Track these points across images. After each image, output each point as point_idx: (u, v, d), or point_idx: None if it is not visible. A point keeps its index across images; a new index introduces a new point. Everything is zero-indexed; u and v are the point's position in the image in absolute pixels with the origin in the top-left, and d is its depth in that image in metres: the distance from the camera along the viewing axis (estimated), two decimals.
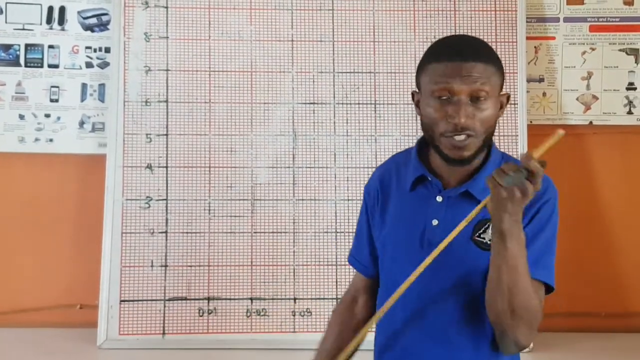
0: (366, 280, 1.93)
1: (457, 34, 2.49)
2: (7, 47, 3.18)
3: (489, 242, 1.65)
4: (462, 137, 1.64)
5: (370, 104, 3.07)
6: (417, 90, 1.75)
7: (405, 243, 1.75)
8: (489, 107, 1.66)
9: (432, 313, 1.67)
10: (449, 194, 1.73)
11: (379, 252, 1.85)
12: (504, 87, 1.74)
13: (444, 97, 1.65)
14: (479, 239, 1.69)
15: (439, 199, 1.73)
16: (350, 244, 2.80)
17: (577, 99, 3.23)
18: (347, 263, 2.95)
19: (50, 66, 3.19)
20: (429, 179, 1.75)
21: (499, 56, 1.73)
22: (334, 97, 3.08)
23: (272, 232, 3.01)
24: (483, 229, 1.69)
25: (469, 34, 3.06)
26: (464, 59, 1.64)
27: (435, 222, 1.72)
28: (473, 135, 1.65)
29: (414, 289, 1.66)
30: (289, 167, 3.05)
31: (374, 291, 1.90)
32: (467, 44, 1.72)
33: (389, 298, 1.67)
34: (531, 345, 2.90)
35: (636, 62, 3.21)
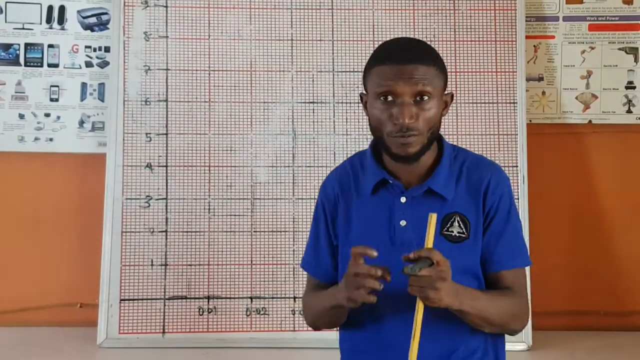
0: (323, 285, 1.91)
1: (402, 36, 2.55)
2: (6, 47, 3.18)
3: (457, 234, 1.76)
4: (408, 135, 1.72)
5: None
6: (364, 92, 1.83)
7: (374, 244, 1.73)
8: (432, 107, 1.73)
9: (412, 311, 1.66)
10: (412, 194, 1.79)
11: (342, 255, 1.86)
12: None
13: (389, 99, 1.72)
14: (447, 232, 1.76)
15: (402, 199, 1.79)
16: None
17: (576, 97, 3.23)
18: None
19: (50, 65, 3.19)
20: (390, 181, 1.80)
21: (442, 57, 1.80)
22: (334, 96, 3.08)
23: (272, 231, 3.01)
24: (449, 223, 1.77)
25: (469, 33, 3.07)
26: (406, 61, 1.71)
27: (403, 222, 1.78)
28: (417, 134, 1.72)
29: (393, 291, 1.68)
30: (288, 166, 3.05)
31: None
32: (409, 47, 1.80)
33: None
34: (530, 343, 2.91)
35: (635, 61, 3.21)
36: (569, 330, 3.12)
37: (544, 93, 3.23)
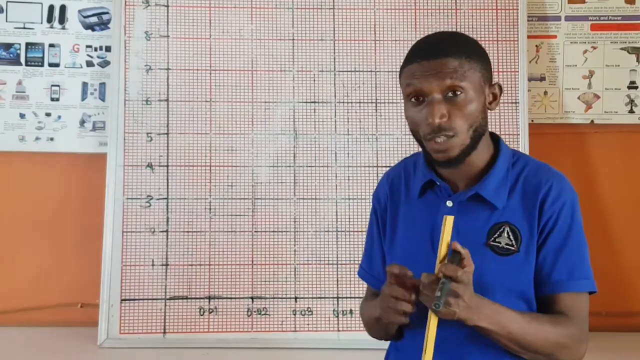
0: (378, 294, 1.82)
1: (438, 31, 2.45)
2: (7, 46, 3.18)
3: (505, 246, 1.62)
4: (442, 138, 1.59)
5: (371, 102, 3.06)
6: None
7: (417, 250, 1.69)
8: (470, 102, 1.60)
9: (449, 329, 1.56)
10: (459, 198, 1.67)
11: (388, 260, 1.78)
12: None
13: (419, 99, 1.61)
14: (494, 243, 1.62)
15: (449, 203, 1.67)
16: (351, 242, 2.81)
17: (578, 97, 3.22)
18: (348, 262, 2.98)
19: (50, 65, 3.19)
20: (438, 183, 1.70)
21: (487, 51, 1.68)
22: (335, 95, 3.07)
23: (273, 231, 3.01)
24: (498, 232, 1.63)
25: (470, 32, 3.06)
26: (430, 57, 1.59)
27: None
28: (452, 134, 1.59)
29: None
30: (289, 166, 3.05)
31: None
32: (436, 41, 1.67)
33: None
34: None
35: (637, 60, 3.20)
36: None
37: (546, 93, 3.22)
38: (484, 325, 1.52)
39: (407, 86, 1.62)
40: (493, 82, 1.68)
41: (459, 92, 1.58)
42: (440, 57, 1.59)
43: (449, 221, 1.50)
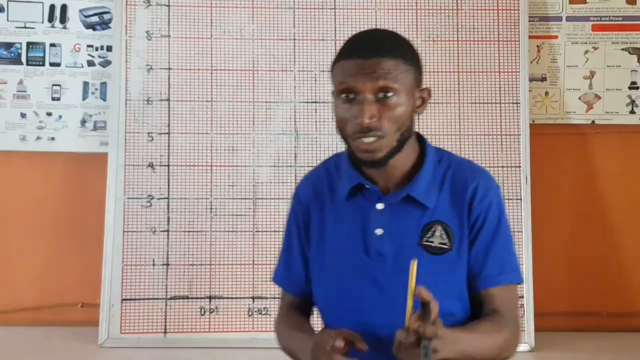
0: (297, 300, 1.81)
1: (374, 28, 2.36)
2: (8, 46, 3.18)
3: (438, 244, 1.62)
4: (371, 139, 1.56)
5: None
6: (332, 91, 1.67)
7: (349, 253, 1.66)
8: (400, 104, 1.57)
9: (389, 328, 1.51)
10: (390, 200, 1.64)
11: (314, 266, 1.74)
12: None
13: (350, 96, 1.57)
14: (427, 243, 1.62)
15: (379, 206, 1.64)
16: None
17: (579, 98, 3.22)
18: None
19: (51, 64, 3.19)
20: (367, 186, 1.66)
21: (416, 52, 1.65)
22: None
23: (274, 231, 3.00)
24: (430, 232, 1.62)
25: (471, 32, 3.06)
26: (366, 55, 1.56)
27: (379, 231, 1.64)
28: (382, 135, 1.56)
29: (368, 304, 1.61)
30: (290, 166, 3.05)
31: (305, 310, 1.81)
32: (374, 39, 1.65)
33: (336, 306, 1.66)
34: (533, 344, 2.90)
35: (639, 61, 3.20)
36: (571, 331, 3.11)
37: (547, 93, 3.22)
38: (450, 357, 1.47)
39: (340, 83, 1.59)
40: (423, 87, 1.66)
41: (390, 94, 1.56)
42: (376, 57, 1.56)
43: (414, 266, 1.41)
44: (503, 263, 1.64)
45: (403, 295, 1.42)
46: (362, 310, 1.59)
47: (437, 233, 1.62)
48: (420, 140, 1.71)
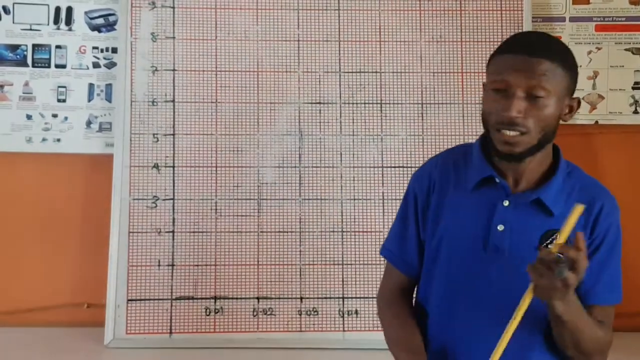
0: (407, 279, 1.84)
1: (539, 31, 2.41)
2: (14, 48, 3.19)
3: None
4: (514, 132, 1.61)
5: (377, 103, 3.07)
6: (485, 82, 1.72)
7: (466, 244, 1.70)
8: (548, 106, 1.62)
9: (493, 321, 1.59)
10: (518, 200, 1.68)
11: (429, 247, 1.78)
12: None
13: (502, 90, 1.62)
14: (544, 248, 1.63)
15: (505, 203, 1.68)
16: (355, 243, 2.81)
17: (583, 98, 3.22)
18: (353, 262, 2.98)
19: (57, 66, 3.20)
20: (497, 181, 1.70)
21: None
22: (340, 96, 3.08)
23: (279, 232, 3.02)
24: (550, 239, 1.65)
25: (475, 33, 3.07)
26: (529, 53, 1.62)
27: (500, 227, 1.67)
28: (525, 132, 1.61)
29: (481, 293, 1.66)
30: (295, 167, 3.06)
31: (411, 291, 1.85)
32: (538, 39, 1.69)
33: (447, 297, 1.69)
34: None
35: None
36: None
37: None
38: (565, 315, 1.56)
39: (497, 75, 1.64)
40: (574, 96, 1.70)
41: (542, 94, 1.60)
42: (539, 57, 1.61)
43: (578, 210, 1.50)
44: (613, 283, 1.73)
45: (512, 298, 1.53)
46: (470, 306, 1.61)
47: (555, 241, 1.60)
48: (555, 150, 1.75)
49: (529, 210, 1.67)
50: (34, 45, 3.19)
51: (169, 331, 2.96)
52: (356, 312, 2.96)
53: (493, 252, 1.66)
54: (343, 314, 2.96)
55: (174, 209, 3.02)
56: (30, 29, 3.19)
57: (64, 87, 3.20)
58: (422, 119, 2.99)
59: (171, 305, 2.97)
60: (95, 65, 3.21)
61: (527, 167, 1.68)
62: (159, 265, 2.99)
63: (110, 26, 3.20)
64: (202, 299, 2.98)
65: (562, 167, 1.72)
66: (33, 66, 3.19)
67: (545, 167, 1.70)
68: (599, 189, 1.75)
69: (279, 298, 2.99)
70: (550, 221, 1.65)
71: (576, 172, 1.75)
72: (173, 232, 3.01)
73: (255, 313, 2.98)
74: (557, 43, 1.71)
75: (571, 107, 1.69)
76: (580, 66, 3.21)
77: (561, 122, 1.70)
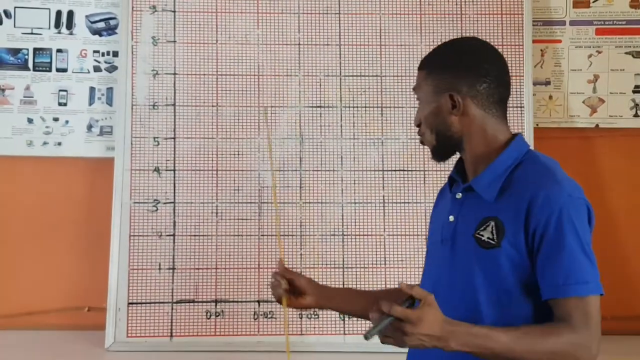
0: None
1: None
2: (15, 51, 3.20)
3: (487, 239, 1.67)
4: (420, 137, 1.83)
5: (377, 107, 3.08)
6: None
7: (433, 238, 1.85)
8: (423, 110, 1.80)
9: (448, 314, 1.59)
10: (459, 190, 1.80)
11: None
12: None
13: None
14: (478, 235, 1.69)
15: (458, 195, 1.79)
16: (356, 246, 2.85)
17: (583, 102, 3.23)
18: (353, 266, 2.98)
19: (58, 70, 3.20)
20: (453, 176, 1.85)
21: (451, 57, 1.82)
22: (341, 100, 3.09)
23: (280, 235, 3.02)
24: (484, 226, 1.69)
25: (475, 37, 3.07)
26: (418, 68, 1.86)
27: (451, 218, 1.77)
28: (422, 135, 1.81)
29: (442, 285, 1.74)
30: (295, 170, 3.06)
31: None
32: (429, 52, 1.88)
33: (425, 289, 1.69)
34: None
35: None
36: None
37: (550, 97, 3.23)
38: (462, 349, 1.54)
39: None
40: (455, 92, 1.75)
41: (420, 101, 1.82)
42: (419, 69, 1.85)
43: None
44: (569, 274, 1.62)
45: (452, 283, 1.68)
46: (437, 294, 1.59)
47: (489, 228, 1.68)
48: (514, 142, 1.77)
49: (475, 200, 1.73)
50: (35, 49, 3.20)
51: (169, 334, 2.96)
52: None
53: (445, 243, 1.77)
54: (344, 317, 2.96)
55: (174, 213, 3.02)
56: (32, 33, 3.20)
57: (65, 90, 3.20)
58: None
59: (172, 309, 2.97)
60: (96, 69, 3.21)
61: (467, 161, 1.80)
62: (159, 269, 2.99)
63: (111, 30, 3.21)
64: (202, 302, 2.98)
65: (505, 155, 1.73)
66: (34, 70, 3.20)
67: (491, 160, 1.74)
68: (541, 179, 1.68)
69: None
70: (490, 209, 1.68)
71: (528, 163, 1.73)
72: (174, 235, 3.01)
73: (255, 316, 2.98)
74: (438, 49, 1.86)
75: (454, 102, 1.75)
76: (581, 70, 3.22)
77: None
